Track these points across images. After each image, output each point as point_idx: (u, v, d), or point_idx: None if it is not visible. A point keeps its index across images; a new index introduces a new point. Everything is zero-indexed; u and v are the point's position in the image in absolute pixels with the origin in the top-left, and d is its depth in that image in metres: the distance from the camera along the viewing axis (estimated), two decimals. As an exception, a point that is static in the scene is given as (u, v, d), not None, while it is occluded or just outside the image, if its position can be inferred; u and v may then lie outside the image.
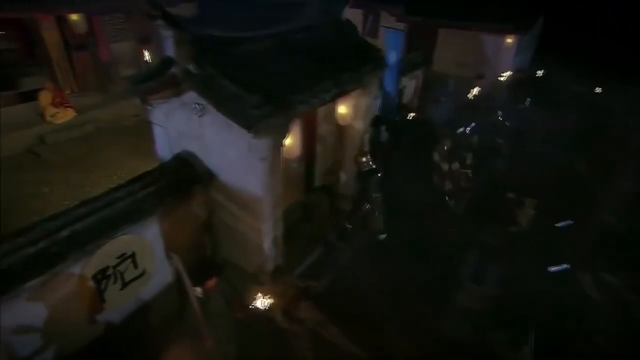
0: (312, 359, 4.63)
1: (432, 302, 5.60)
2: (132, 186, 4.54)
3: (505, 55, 12.33)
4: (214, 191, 5.16)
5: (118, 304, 4.47)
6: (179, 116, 4.90)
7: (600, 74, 12.34)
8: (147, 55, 10.97)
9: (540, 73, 12.73)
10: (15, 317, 3.58)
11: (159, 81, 4.42)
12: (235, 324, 4.68)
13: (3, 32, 9.48)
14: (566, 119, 10.35)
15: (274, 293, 4.73)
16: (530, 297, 5.54)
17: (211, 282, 4.42)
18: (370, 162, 6.17)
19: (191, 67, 4.20)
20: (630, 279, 5.98)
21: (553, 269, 5.98)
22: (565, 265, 5.97)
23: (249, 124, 3.98)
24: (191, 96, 4.51)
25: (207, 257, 5.60)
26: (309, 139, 6.43)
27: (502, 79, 11.65)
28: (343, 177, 7.03)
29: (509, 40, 12.23)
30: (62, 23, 9.64)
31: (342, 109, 6.26)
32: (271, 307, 4.65)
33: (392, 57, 7.91)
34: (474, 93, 10.83)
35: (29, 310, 3.68)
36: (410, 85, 10.51)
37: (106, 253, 4.11)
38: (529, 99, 11.17)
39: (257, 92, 4.02)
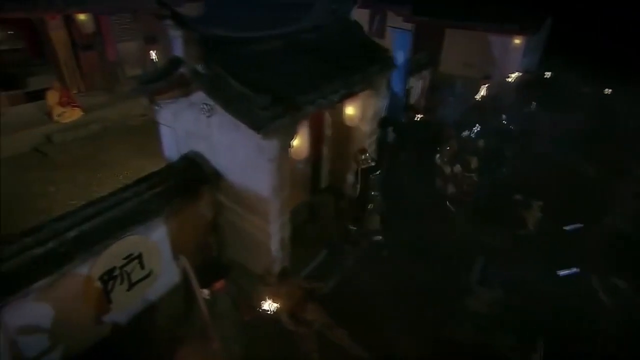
0: (318, 361, 4.60)
1: (438, 304, 5.54)
2: (139, 186, 4.53)
3: (513, 56, 12.25)
4: (221, 192, 5.14)
5: (125, 305, 4.46)
6: (186, 116, 4.89)
7: (609, 75, 12.20)
8: (153, 55, 10.99)
9: (548, 74, 12.61)
10: (23, 317, 3.58)
11: (167, 81, 4.40)
12: (242, 326, 4.65)
13: (11, 32, 9.52)
14: (574, 120, 10.23)
15: (280, 295, 4.70)
16: (539, 301, 5.47)
17: (219, 284, 4.40)
18: (370, 160, 6.10)
19: (200, 67, 4.18)
20: (641, 283, 5.89)
21: (562, 272, 5.91)
22: (574, 269, 5.90)
23: (258, 125, 3.95)
24: (199, 96, 4.49)
25: (213, 258, 5.59)
26: (316, 139, 6.40)
27: (510, 80, 11.56)
28: (349, 178, 6.99)
29: (517, 41, 12.15)
30: (69, 23, 9.67)
31: (350, 109, 6.21)
32: (278, 308, 4.61)
33: (400, 57, 7.86)
34: (481, 94, 10.74)
35: (36, 310, 3.68)
36: (417, 85, 10.44)
37: (113, 254, 4.11)
38: (536, 101, 11.06)
39: (266, 92, 3.99)
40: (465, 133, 7.96)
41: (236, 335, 4.49)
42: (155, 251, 4.56)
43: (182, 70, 4.23)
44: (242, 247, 5.39)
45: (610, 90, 12.06)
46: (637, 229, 7.01)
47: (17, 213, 6.08)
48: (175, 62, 4.23)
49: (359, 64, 5.62)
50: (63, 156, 8.11)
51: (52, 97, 8.95)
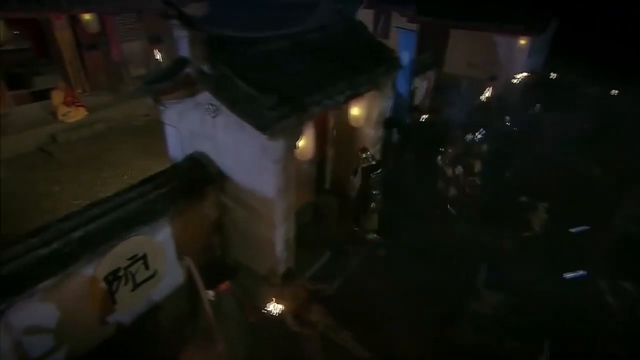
0: (322, 363, 4.57)
1: (442, 306, 5.50)
2: (144, 187, 4.52)
3: (518, 57, 12.19)
4: (226, 192, 5.13)
5: (129, 305, 4.46)
6: (192, 117, 4.87)
7: (615, 76, 12.10)
8: (158, 55, 11.00)
9: (554, 75, 12.53)
10: (28, 317, 3.58)
11: (173, 81, 4.39)
12: (247, 327, 4.63)
13: (17, 32, 9.56)
14: (580, 121, 10.16)
15: (285, 296, 4.67)
16: (545, 303, 5.42)
17: (224, 285, 4.37)
18: (371, 159, 6.06)
19: (205, 68, 4.16)
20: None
21: (569, 275, 5.86)
22: (581, 272, 5.84)
23: (264, 126, 3.93)
24: (205, 97, 4.47)
25: (217, 258, 5.57)
26: (321, 140, 6.38)
27: (515, 80, 11.49)
28: (353, 179, 6.95)
29: (522, 42, 12.08)
30: (74, 23, 9.70)
31: (355, 110, 6.19)
32: (282, 310, 4.59)
33: (405, 57, 7.82)
34: (486, 95, 10.68)
35: (41, 311, 3.68)
36: (422, 86, 10.39)
37: (118, 254, 4.10)
38: (541, 102, 10.98)
39: (272, 93, 3.97)
40: (469, 137, 7.89)
41: (241, 337, 4.48)
42: (160, 251, 4.56)
43: (188, 70, 4.21)
44: (247, 248, 5.37)
45: (616, 91, 11.97)
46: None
47: (22, 213, 6.10)
48: (181, 63, 4.22)
49: (365, 64, 5.59)
50: (67, 156, 8.13)
51: (57, 96, 8.98)
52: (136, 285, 4.43)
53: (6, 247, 3.50)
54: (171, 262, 4.77)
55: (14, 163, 7.63)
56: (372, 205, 6.25)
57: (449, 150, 7.44)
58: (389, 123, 6.81)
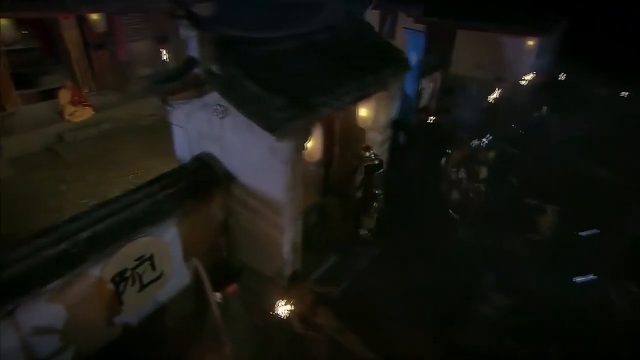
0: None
1: (451, 309, 5.45)
2: (151, 187, 4.51)
3: (526, 58, 12.10)
4: (233, 194, 5.10)
5: (136, 306, 4.44)
6: (200, 117, 4.86)
7: (625, 77, 11.98)
8: (165, 55, 11.00)
9: (562, 76, 12.43)
10: (36, 318, 3.57)
11: (181, 81, 4.37)
12: (253, 329, 4.61)
13: (25, 32, 9.59)
14: (590, 123, 10.06)
15: (292, 298, 4.65)
16: (554, 308, 5.36)
17: (232, 288, 4.36)
18: (374, 158, 6.01)
19: (214, 68, 4.14)
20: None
21: (579, 279, 5.79)
22: (591, 276, 5.77)
23: (273, 127, 3.89)
24: (213, 97, 4.45)
25: (223, 259, 5.55)
26: (328, 141, 6.34)
27: (523, 82, 11.40)
28: (357, 177, 6.90)
29: (530, 43, 11.99)
30: (82, 22, 9.72)
31: (362, 111, 6.15)
32: (289, 313, 4.57)
33: (413, 58, 7.76)
34: (494, 96, 10.60)
35: (49, 311, 3.67)
36: (429, 87, 10.34)
37: (125, 255, 4.08)
38: (549, 103, 10.89)
39: (281, 93, 3.94)
40: (475, 142, 7.79)
41: (248, 339, 4.46)
42: (167, 252, 4.54)
43: (197, 70, 4.19)
44: (253, 249, 5.35)
45: (626, 93, 11.85)
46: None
47: (29, 211, 6.10)
48: (189, 63, 4.20)
49: (373, 65, 5.55)
50: (74, 155, 8.13)
51: (64, 96, 9.00)
52: (143, 286, 4.41)
53: (14, 247, 3.50)
54: (178, 263, 4.75)
55: (20, 162, 7.64)
56: (375, 205, 6.20)
57: (454, 154, 7.38)
58: (395, 124, 6.76)
